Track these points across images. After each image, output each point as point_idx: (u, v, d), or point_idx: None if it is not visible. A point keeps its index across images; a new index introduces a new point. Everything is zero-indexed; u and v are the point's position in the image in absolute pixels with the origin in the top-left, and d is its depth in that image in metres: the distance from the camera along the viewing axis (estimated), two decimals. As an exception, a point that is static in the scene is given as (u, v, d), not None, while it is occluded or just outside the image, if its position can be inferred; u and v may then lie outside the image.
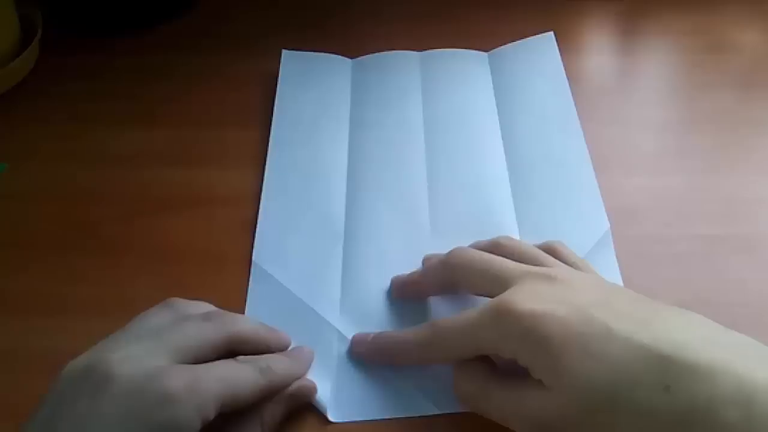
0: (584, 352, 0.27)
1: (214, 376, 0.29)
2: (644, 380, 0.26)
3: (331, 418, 0.34)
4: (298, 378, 0.34)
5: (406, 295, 0.38)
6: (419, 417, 0.34)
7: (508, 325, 0.29)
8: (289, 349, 0.36)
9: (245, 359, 0.32)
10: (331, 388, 0.35)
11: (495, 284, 0.32)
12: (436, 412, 0.33)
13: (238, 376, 0.31)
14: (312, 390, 0.34)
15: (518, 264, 0.33)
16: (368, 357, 0.35)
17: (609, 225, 0.40)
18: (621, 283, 0.38)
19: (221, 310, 0.34)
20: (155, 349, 0.30)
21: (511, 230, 0.40)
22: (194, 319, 0.32)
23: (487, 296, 0.32)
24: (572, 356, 0.27)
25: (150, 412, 0.27)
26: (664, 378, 0.26)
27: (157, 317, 0.32)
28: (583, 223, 0.41)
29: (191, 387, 0.28)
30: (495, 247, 0.35)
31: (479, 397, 0.31)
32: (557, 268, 0.33)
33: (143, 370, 0.28)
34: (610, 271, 0.38)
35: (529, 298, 0.30)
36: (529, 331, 0.29)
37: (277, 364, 0.33)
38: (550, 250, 0.35)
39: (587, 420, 0.27)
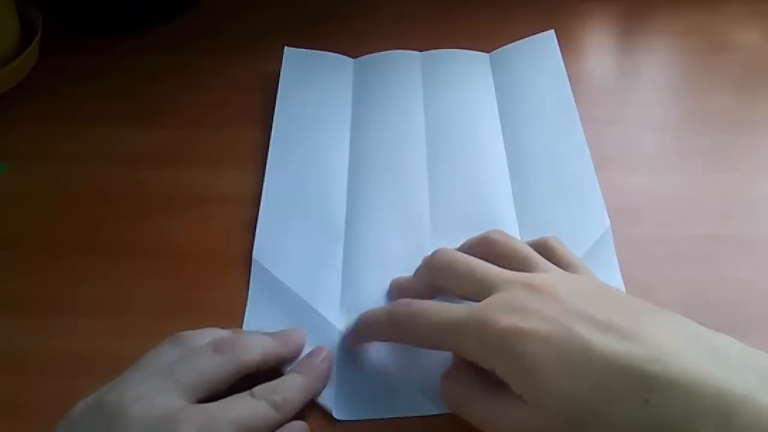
0: (562, 368, 0.27)
1: (227, 418, 0.29)
2: (623, 395, 0.26)
3: (336, 416, 0.34)
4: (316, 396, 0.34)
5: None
6: (419, 417, 0.34)
7: (487, 340, 0.29)
8: (309, 353, 0.35)
9: (261, 393, 0.31)
10: (335, 386, 0.35)
11: (477, 290, 0.32)
12: (436, 412, 0.33)
13: (254, 415, 0.30)
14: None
15: (501, 270, 0.32)
16: (353, 342, 0.36)
17: (609, 223, 0.40)
18: (621, 282, 0.38)
19: (231, 336, 0.33)
20: (168, 386, 0.30)
21: (511, 229, 0.40)
22: (204, 351, 0.32)
23: (472, 300, 0.32)
24: (549, 373, 0.27)
25: None
26: (642, 392, 0.26)
27: (166, 353, 0.32)
28: (583, 222, 0.41)
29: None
30: (485, 243, 0.35)
31: (463, 403, 0.31)
32: (542, 273, 0.33)
33: (157, 410, 0.28)
34: (610, 269, 0.38)
35: (509, 311, 0.29)
36: (506, 347, 0.28)
37: (293, 395, 0.32)
38: (544, 246, 0.35)
39: None
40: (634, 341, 0.27)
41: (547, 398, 0.27)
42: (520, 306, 0.30)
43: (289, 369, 0.35)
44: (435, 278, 0.35)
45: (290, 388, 0.33)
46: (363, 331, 0.35)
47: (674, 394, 0.26)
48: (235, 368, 0.32)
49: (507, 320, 0.29)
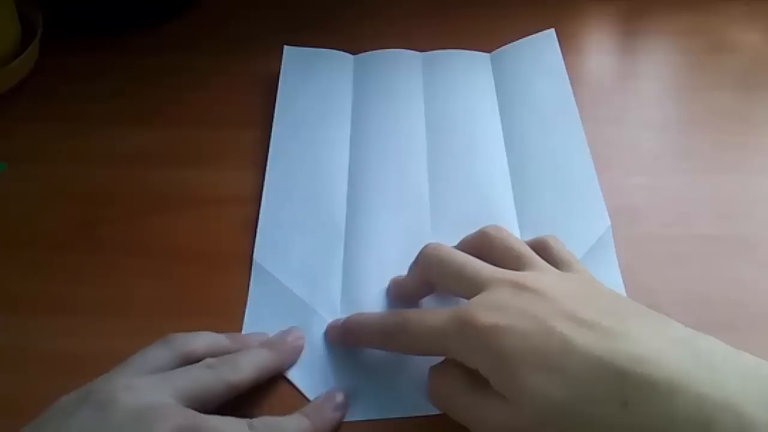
0: (541, 367, 0.27)
1: None
2: (601, 395, 0.26)
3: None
4: None
5: (400, 298, 0.37)
6: (419, 417, 0.34)
7: (469, 338, 0.29)
8: (324, 394, 0.34)
9: (260, 427, 0.30)
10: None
11: (467, 287, 0.32)
12: (436, 412, 0.33)
13: None
14: None
15: (490, 268, 0.32)
16: (337, 340, 0.36)
17: (609, 223, 0.40)
18: (621, 282, 0.38)
19: (224, 354, 0.33)
20: (158, 384, 0.29)
21: (512, 229, 0.40)
22: (198, 366, 0.31)
23: (463, 298, 0.32)
24: (529, 371, 0.27)
25: None
26: (621, 394, 0.26)
27: (157, 354, 0.32)
28: (583, 222, 0.41)
29: None
30: (481, 239, 0.35)
31: (448, 400, 0.31)
32: (531, 272, 0.32)
33: (146, 401, 0.28)
34: (610, 269, 0.38)
35: (493, 310, 0.29)
36: (488, 345, 0.28)
37: None
38: (540, 245, 0.35)
39: None
40: (616, 340, 0.27)
41: (524, 397, 0.27)
42: (502, 304, 0.30)
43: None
44: (425, 275, 0.35)
45: (291, 428, 0.31)
46: (353, 337, 0.35)
47: (653, 398, 0.25)
48: (228, 388, 0.31)
49: (487, 318, 0.29)
